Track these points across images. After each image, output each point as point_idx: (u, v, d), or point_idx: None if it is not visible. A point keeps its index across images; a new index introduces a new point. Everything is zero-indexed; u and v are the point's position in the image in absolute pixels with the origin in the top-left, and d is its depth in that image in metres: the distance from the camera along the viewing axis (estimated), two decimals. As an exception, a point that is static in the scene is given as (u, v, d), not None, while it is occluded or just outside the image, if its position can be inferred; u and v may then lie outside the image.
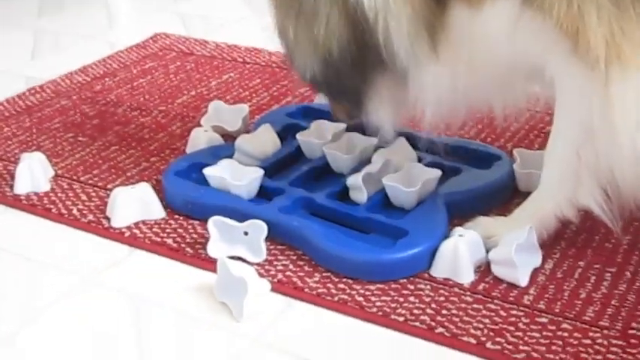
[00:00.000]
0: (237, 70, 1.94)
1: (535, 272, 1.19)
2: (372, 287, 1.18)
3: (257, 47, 2.07)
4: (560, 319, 1.10)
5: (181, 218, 1.36)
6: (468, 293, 1.16)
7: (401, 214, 1.29)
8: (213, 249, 1.25)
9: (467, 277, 1.18)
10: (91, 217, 1.37)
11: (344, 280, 1.19)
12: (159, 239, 1.31)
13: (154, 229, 1.33)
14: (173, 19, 2.34)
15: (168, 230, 1.33)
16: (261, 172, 1.35)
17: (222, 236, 1.25)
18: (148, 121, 1.70)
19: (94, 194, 1.44)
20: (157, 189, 1.39)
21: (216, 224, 1.25)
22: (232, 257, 1.23)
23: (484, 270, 1.20)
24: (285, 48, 1.32)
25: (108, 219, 1.36)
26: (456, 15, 1.13)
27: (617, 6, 1.01)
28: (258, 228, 1.24)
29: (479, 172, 1.38)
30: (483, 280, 1.18)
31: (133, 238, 1.31)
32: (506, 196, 1.36)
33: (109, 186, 1.46)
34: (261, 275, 1.19)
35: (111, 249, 1.30)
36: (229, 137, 1.57)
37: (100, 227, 1.35)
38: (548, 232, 1.22)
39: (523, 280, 1.16)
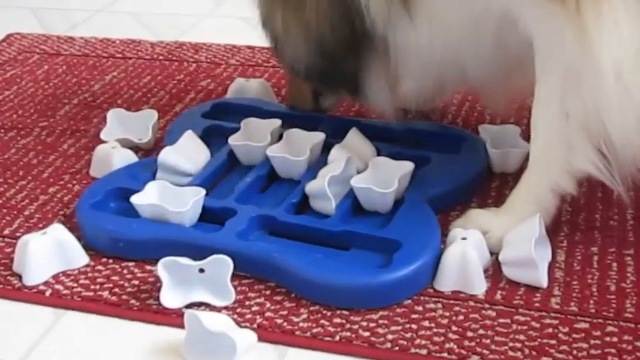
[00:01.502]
0: (119, 68, 1.66)
1: (550, 268, 1.03)
2: (374, 316, 0.98)
3: (134, 39, 1.79)
4: (601, 320, 0.95)
5: (111, 262, 1.10)
6: (487, 305, 0.99)
7: (381, 222, 1.09)
8: (168, 297, 1.01)
9: (480, 287, 1.01)
10: (-6, 277, 1.09)
11: (338, 312, 0.99)
12: (91, 293, 1.05)
13: (80, 281, 1.07)
14: (25, 15, 1.99)
15: (99, 280, 1.07)
16: (202, 191, 1.12)
17: (176, 280, 1.01)
18: (30, 143, 1.40)
19: (-10, 246, 1.15)
20: (70, 227, 1.12)
21: (166, 266, 1.01)
22: (192, 304, 1.00)
23: (492, 274, 1.04)
24: (273, 40, 1.20)
25: (18, 276, 1.08)
26: None
27: None
28: (222, 263, 1.00)
29: (451, 158, 1.20)
30: (497, 287, 1.01)
31: (57, 296, 1.04)
32: (484, 182, 1.20)
33: (5, 232, 1.17)
34: (235, 322, 0.97)
35: (31, 316, 1.02)
36: (138, 151, 1.32)
37: (10, 288, 1.06)
38: (550, 214, 1.08)
39: (544, 280, 1.01)
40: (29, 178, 1.30)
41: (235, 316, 0.99)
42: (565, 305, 0.98)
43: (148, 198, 1.12)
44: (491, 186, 1.20)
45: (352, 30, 1.13)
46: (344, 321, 0.98)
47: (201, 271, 1.02)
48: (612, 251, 1.06)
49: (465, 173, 1.17)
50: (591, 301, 0.98)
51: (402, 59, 1.13)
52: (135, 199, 1.11)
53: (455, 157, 1.21)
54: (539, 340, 0.93)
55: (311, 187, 1.13)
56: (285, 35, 1.18)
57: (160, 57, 1.70)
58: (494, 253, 1.05)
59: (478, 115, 1.40)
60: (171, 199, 1.12)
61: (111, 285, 1.06)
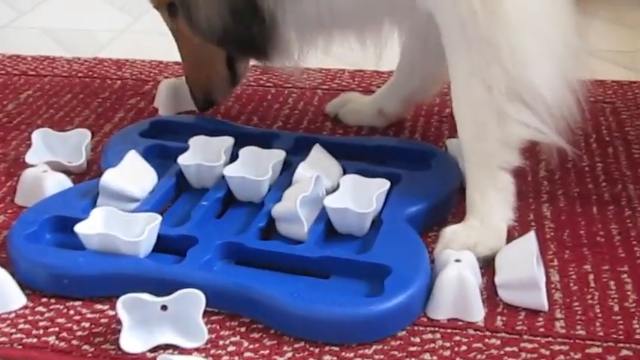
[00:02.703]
0: (34, 86, 1.50)
1: (547, 289, 0.96)
2: (367, 351, 0.87)
3: (47, 55, 1.63)
4: (612, 344, 0.88)
5: (53, 301, 0.95)
6: (489, 333, 0.90)
7: (360, 246, 0.99)
8: (129, 340, 0.87)
9: (478, 313, 0.92)
10: None
11: (327, 348, 0.88)
12: (34, 339, 0.90)
13: (19, 326, 0.91)
14: None
15: (42, 323, 0.92)
16: (158, 217, 0.99)
17: (137, 319, 0.88)
18: (-61, 169, 1.23)
19: None
20: (-1, 264, 0.97)
21: (126, 304, 0.87)
22: (156, 347, 0.87)
23: (486, 298, 0.95)
24: (185, 7, 1.13)
25: (-59, 324, 0.92)
26: None
27: None
28: (191, 298, 0.88)
29: (423, 175, 1.12)
30: (495, 313, 0.93)
31: (-7, 345, 0.90)
32: (458, 198, 1.12)
33: None
34: (210, 365, 0.85)
35: (-38, 369, 0.87)
36: (70, 175, 1.17)
37: None
38: (512, 194, 1.03)
39: (545, 303, 0.93)
40: (-59, 208, 1.14)
41: (210, 359, 0.86)
42: (571, 329, 0.90)
43: (94, 227, 0.98)
44: (464, 203, 1.12)
45: None
46: (335, 358, 0.86)
47: (164, 308, 0.89)
48: (606, 269, 1.00)
49: (440, 190, 1.08)
50: (597, 324, 0.91)
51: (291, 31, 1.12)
52: (80, 229, 0.97)
53: (427, 174, 1.12)
54: (552, 368, 0.85)
55: (279, 209, 1.02)
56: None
57: (79, 74, 1.55)
58: (485, 274, 0.97)
59: (435, 130, 1.33)
60: (121, 227, 0.98)
61: (57, 329, 0.91)
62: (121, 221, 0.99)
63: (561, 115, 1.00)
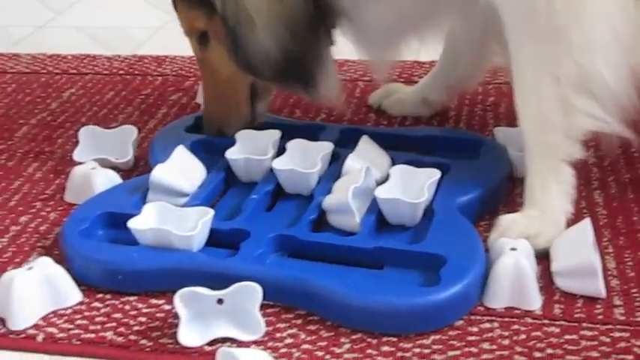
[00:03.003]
0: (77, 85, 1.51)
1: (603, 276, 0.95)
2: (425, 341, 0.87)
3: (87, 54, 1.64)
4: (674, 330, 0.87)
5: (108, 297, 0.96)
6: (547, 321, 0.89)
7: (412, 236, 0.99)
8: (187, 334, 0.87)
9: (536, 302, 0.91)
10: (-29, 323, 0.93)
11: (384, 339, 0.87)
12: (92, 335, 0.90)
13: (77, 322, 0.92)
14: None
15: (99, 319, 0.93)
16: (210, 211, 0.99)
17: (194, 313, 0.88)
18: (-12, 168, 1.24)
19: (-40, 287, 0.99)
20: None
21: (183, 299, 0.88)
22: (214, 341, 0.88)
23: (542, 286, 0.94)
24: (231, 29, 1.07)
25: (1, 321, 0.93)
26: None
27: None
28: (248, 291, 0.88)
29: (472, 164, 1.11)
30: (552, 301, 0.92)
31: (52, 341, 0.90)
32: (509, 187, 1.11)
33: (-25, 270, 1.02)
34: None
35: (22, 366, 0.88)
36: (118, 171, 1.17)
37: (-7, 335, 0.91)
38: (573, 187, 1.02)
39: (603, 290, 0.92)
40: (-7, 207, 1.15)
41: (268, 351, 0.86)
42: (630, 316, 0.89)
43: (147, 222, 0.98)
44: (514, 191, 1.11)
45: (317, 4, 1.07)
46: (393, 349, 0.86)
47: (220, 301, 0.89)
48: (662, 254, 0.99)
49: (490, 179, 1.08)
50: (658, 311, 0.90)
51: (365, 30, 1.10)
52: (133, 224, 0.97)
53: (476, 163, 1.11)
54: (614, 356, 0.84)
55: (330, 201, 1.02)
56: (258, 15, 1.06)
57: (120, 72, 1.56)
58: (540, 262, 0.96)
59: (480, 119, 1.32)
60: (173, 221, 0.98)
61: (114, 324, 0.92)
62: (174, 216, 0.99)
63: (624, 103, 0.99)
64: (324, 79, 1.13)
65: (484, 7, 1.01)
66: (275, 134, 1.15)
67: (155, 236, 0.97)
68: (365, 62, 1.30)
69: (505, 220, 1.01)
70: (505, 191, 1.10)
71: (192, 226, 0.97)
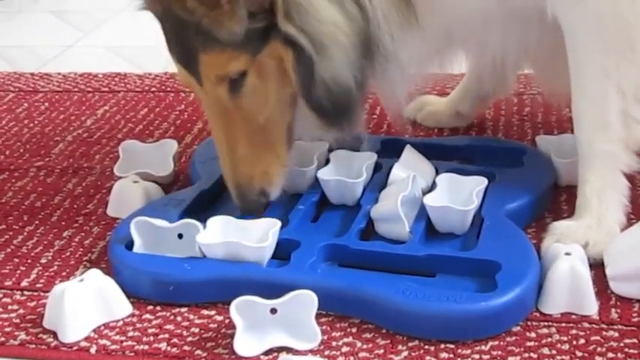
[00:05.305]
0: (110, 102, 1.51)
1: (655, 280, 0.94)
2: (484, 347, 0.86)
3: (117, 72, 1.65)
4: None
5: (159, 309, 0.95)
6: (604, 326, 0.88)
7: (462, 243, 0.99)
8: (243, 344, 0.87)
9: (592, 307, 0.90)
10: (23, 335, 0.92)
11: (442, 346, 0.87)
12: (146, 346, 0.90)
13: (129, 334, 0.92)
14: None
15: (151, 330, 0.92)
16: (278, 222, 0.98)
17: (249, 323, 0.87)
18: (28, 185, 1.24)
19: (9, 302, 0.98)
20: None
21: (239, 308, 0.87)
22: (270, 350, 0.87)
23: (597, 291, 0.93)
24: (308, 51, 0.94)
25: (52, 334, 0.92)
26: None
27: None
28: (304, 300, 0.87)
29: (517, 172, 1.11)
30: (609, 305, 0.91)
31: (106, 353, 0.89)
32: (554, 194, 1.11)
33: (23, 284, 1.01)
34: (326, 366, 0.84)
35: (76, 378, 0.87)
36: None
37: (45, 348, 0.90)
38: (627, 199, 1.02)
39: (660, 294, 0.91)
40: (36, 222, 1.14)
41: (326, 360, 0.86)
42: (689, 319, 0.89)
43: (214, 236, 0.97)
44: (559, 199, 1.11)
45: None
46: (452, 355, 0.85)
47: (273, 311, 0.89)
48: None
49: (537, 186, 1.07)
50: None
51: (400, 65, 1.02)
52: (202, 239, 0.96)
53: (520, 171, 1.11)
54: (680, 360, 0.83)
55: (379, 210, 1.01)
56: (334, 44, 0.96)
57: (152, 89, 1.56)
58: (593, 267, 0.95)
59: (517, 129, 1.32)
60: (239, 234, 0.97)
61: (167, 335, 0.91)
62: (237, 228, 0.99)
63: None
64: (361, 113, 1.07)
65: (545, 21, 1.00)
66: (322, 146, 1.14)
67: (226, 249, 0.96)
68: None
69: (560, 226, 1.01)
70: (550, 198, 1.09)
71: (258, 238, 0.97)
